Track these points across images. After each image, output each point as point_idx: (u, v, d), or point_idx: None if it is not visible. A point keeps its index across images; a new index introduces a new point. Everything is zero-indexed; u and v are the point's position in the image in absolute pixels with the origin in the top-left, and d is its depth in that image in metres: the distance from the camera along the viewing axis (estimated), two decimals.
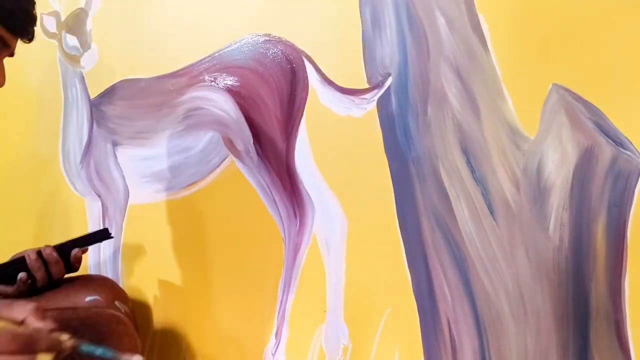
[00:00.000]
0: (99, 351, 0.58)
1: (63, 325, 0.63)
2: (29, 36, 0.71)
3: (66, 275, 0.80)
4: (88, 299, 0.78)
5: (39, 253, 0.75)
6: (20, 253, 0.77)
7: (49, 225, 1.05)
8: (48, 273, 0.76)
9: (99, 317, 0.69)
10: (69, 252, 0.78)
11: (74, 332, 0.62)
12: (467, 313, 0.79)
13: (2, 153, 1.09)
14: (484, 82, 0.77)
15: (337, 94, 0.85)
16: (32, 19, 0.70)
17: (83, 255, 0.83)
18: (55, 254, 0.76)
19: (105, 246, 1.01)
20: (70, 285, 0.80)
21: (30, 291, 0.75)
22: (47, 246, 0.76)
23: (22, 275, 0.73)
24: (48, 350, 0.53)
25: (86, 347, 0.57)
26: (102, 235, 0.84)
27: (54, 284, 0.77)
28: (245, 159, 0.91)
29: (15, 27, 0.68)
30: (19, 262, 0.74)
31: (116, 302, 0.82)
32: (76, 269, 0.81)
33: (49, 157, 1.05)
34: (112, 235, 0.86)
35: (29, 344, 0.51)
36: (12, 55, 0.71)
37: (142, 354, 0.69)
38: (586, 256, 0.73)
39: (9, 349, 0.49)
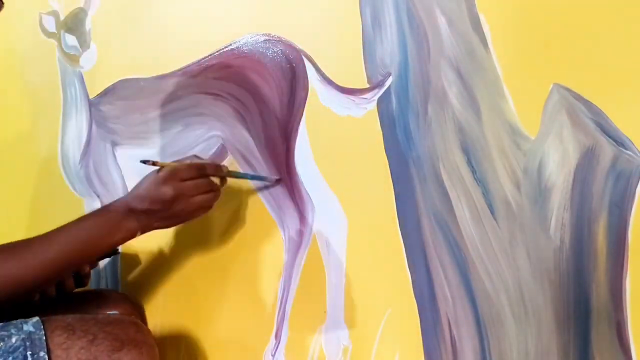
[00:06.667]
0: (249, 175, 0.86)
1: (82, 329, 0.64)
2: None
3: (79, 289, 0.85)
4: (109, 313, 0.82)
5: None
6: None
7: (48, 225, 1.05)
8: (57, 287, 0.79)
9: (118, 323, 0.69)
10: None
11: (93, 338, 0.63)
12: (468, 313, 0.78)
13: (1, 153, 1.09)
14: (484, 82, 0.76)
15: (337, 94, 0.84)
16: None
17: None
18: None
19: None
20: (88, 301, 0.83)
21: (43, 304, 0.78)
22: None
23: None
24: (215, 173, 0.78)
25: (239, 173, 0.86)
26: (110, 252, 0.87)
27: (64, 296, 0.81)
28: (245, 159, 0.91)
29: None
30: None
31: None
32: (85, 284, 0.84)
33: (48, 157, 1.05)
34: (119, 251, 0.89)
35: (201, 169, 0.74)
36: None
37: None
38: (587, 257, 0.73)
39: (190, 176, 0.73)
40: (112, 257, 0.95)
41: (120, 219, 0.71)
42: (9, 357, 0.59)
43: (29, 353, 0.60)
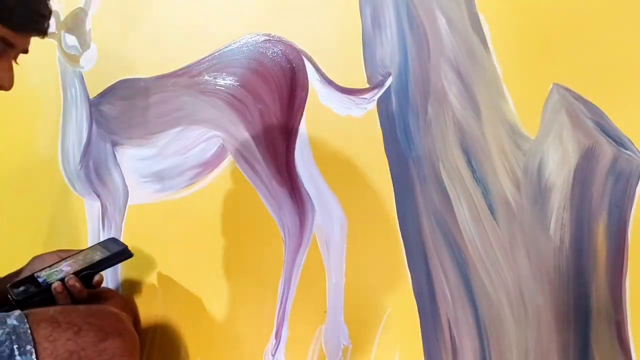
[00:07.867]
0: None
1: (66, 321, 0.64)
2: (38, 32, 0.69)
3: None
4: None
5: (63, 282, 0.77)
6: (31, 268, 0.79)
7: (49, 225, 1.05)
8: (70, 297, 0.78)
9: (100, 314, 0.70)
10: (91, 277, 0.80)
11: (79, 329, 0.64)
12: (468, 314, 0.78)
13: (1, 153, 1.09)
14: (484, 82, 0.76)
15: (337, 94, 0.84)
16: (38, 15, 0.68)
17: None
18: (78, 285, 0.77)
19: None
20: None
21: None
22: (70, 276, 0.78)
23: None
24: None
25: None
26: (124, 255, 0.85)
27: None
28: (245, 159, 0.91)
29: (17, 25, 0.66)
30: (44, 292, 0.76)
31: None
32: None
33: (48, 157, 1.04)
34: (132, 254, 0.87)
35: None
36: (25, 52, 0.71)
37: (142, 353, 0.71)
38: (587, 257, 0.73)
39: None
40: (124, 260, 0.92)
41: None
42: None
43: (15, 347, 0.59)
